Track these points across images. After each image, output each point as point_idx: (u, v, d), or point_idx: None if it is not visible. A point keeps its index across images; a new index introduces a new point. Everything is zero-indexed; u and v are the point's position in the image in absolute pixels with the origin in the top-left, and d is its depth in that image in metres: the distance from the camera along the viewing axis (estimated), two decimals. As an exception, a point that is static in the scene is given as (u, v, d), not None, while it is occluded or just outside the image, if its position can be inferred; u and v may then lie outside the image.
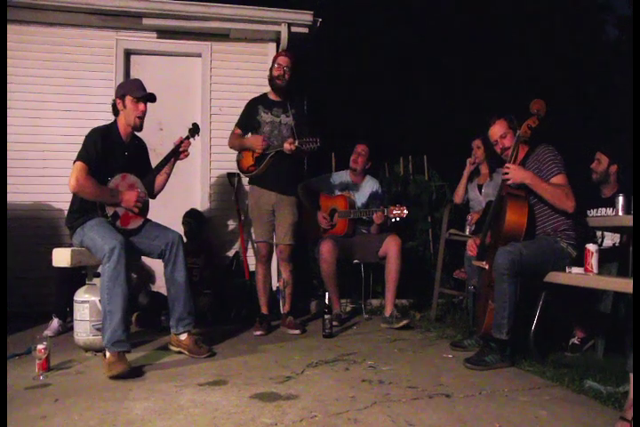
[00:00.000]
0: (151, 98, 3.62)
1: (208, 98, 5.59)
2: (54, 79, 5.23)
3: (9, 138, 4.92)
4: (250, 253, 5.35)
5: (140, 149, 3.80)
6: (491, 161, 4.76)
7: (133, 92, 3.55)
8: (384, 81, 10.98)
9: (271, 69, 4.42)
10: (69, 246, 3.58)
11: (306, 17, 5.45)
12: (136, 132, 3.70)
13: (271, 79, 4.41)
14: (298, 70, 4.50)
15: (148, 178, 3.70)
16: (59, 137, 5.11)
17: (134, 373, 3.07)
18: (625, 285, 2.82)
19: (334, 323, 4.32)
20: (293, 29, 5.47)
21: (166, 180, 3.87)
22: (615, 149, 4.40)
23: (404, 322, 4.39)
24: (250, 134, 4.46)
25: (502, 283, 3.21)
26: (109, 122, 3.66)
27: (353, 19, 11.08)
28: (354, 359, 3.44)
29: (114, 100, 3.61)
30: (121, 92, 3.59)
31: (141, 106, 3.57)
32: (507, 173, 3.38)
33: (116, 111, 3.62)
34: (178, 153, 3.81)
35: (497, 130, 3.63)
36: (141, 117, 3.58)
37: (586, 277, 3.15)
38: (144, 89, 3.61)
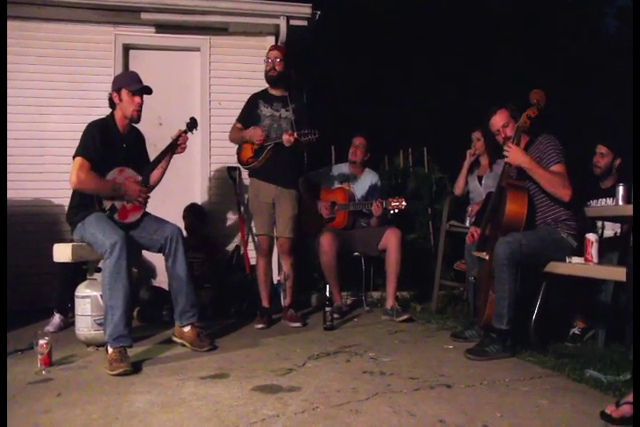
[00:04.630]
0: (147, 90, 3.61)
1: (207, 92, 5.57)
2: (53, 75, 5.22)
3: (8, 134, 4.91)
4: (250, 246, 5.36)
5: (138, 140, 3.80)
6: (491, 152, 4.76)
7: (129, 85, 3.55)
8: (384, 73, 10.95)
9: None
10: (70, 242, 3.58)
11: (304, 10, 5.42)
12: (134, 124, 3.70)
13: (265, 74, 4.44)
14: (291, 60, 4.49)
15: (145, 171, 3.69)
16: (58, 132, 5.11)
17: (135, 371, 3.06)
18: (625, 274, 2.82)
19: (335, 315, 4.32)
20: (292, 22, 5.44)
21: (162, 174, 3.86)
22: (614, 139, 4.40)
23: (405, 316, 4.40)
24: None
25: (502, 273, 3.22)
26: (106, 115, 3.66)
27: (353, 10, 11.02)
28: (355, 351, 3.45)
29: (110, 94, 3.61)
30: (117, 86, 3.58)
31: (137, 99, 3.56)
32: (507, 152, 3.39)
33: (112, 104, 3.62)
34: (175, 146, 3.80)
35: (498, 119, 3.63)
36: (138, 110, 3.58)
37: (586, 267, 3.16)
38: (140, 81, 3.60)
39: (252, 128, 4.33)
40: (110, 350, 3.13)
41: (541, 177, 3.32)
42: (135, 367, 3.08)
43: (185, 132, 3.86)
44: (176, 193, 5.19)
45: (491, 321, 3.32)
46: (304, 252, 5.21)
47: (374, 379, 2.86)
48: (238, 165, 4.79)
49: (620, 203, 3.33)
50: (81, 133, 3.50)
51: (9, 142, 4.94)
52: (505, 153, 3.42)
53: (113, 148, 3.53)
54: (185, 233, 4.24)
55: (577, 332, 3.76)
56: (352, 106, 10.00)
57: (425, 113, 10.37)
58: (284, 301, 4.58)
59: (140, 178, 3.62)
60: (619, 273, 2.94)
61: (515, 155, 3.37)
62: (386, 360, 3.23)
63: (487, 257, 3.48)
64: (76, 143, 3.46)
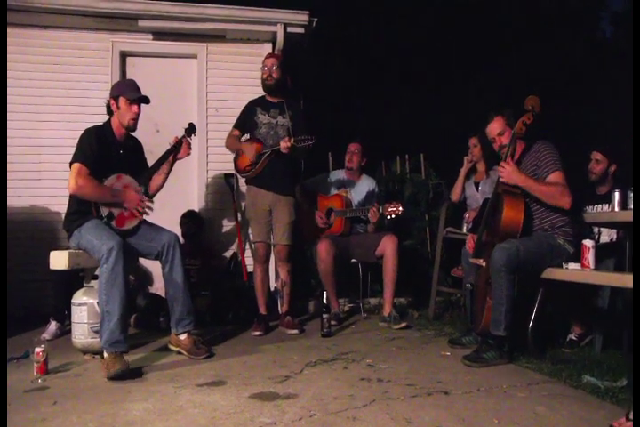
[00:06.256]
0: (145, 100, 3.62)
1: (204, 99, 5.59)
2: (50, 82, 5.24)
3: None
4: (248, 253, 5.36)
5: (136, 148, 3.80)
6: (487, 159, 4.77)
7: (127, 93, 3.55)
8: (382, 80, 10.99)
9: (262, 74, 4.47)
10: (67, 249, 3.58)
11: (301, 17, 5.44)
12: (131, 133, 3.70)
13: (262, 82, 4.45)
14: (287, 67, 4.51)
15: (144, 178, 3.69)
16: (55, 140, 5.12)
17: (132, 373, 3.07)
18: (622, 280, 2.82)
19: (332, 322, 4.32)
20: (289, 30, 5.46)
21: (164, 180, 3.85)
22: (611, 145, 4.40)
23: (403, 324, 4.38)
24: (247, 135, 4.51)
25: (499, 279, 3.22)
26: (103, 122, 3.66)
27: (350, 17, 11.07)
28: (352, 358, 3.44)
29: (108, 101, 3.62)
30: (115, 93, 3.59)
31: (135, 108, 3.56)
32: (501, 172, 3.40)
33: (110, 111, 3.62)
34: (173, 152, 3.80)
35: (494, 127, 3.62)
36: (135, 119, 3.58)
37: (583, 273, 3.15)
38: (138, 90, 3.61)
39: (250, 146, 4.32)
40: (106, 354, 3.13)
41: (540, 193, 3.32)
42: (131, 369, 3.07)
43: (183, 137, 3.87)
44: (173, 200, 5.17)
45: (488, 327, 3.32)
46: (301, 259, 5.20)
47: (371, 386, 2.85)
48: (235, 172, 4.79)
49: (617, 209, 3.33)
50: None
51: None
52: (500, 173, 3.42)
53: (110, 154, 3.53)
54: (182, 240, 4.23)
55: (574, 338, 3.76)
56: (349, 112, 10.02)
57: (422, 119, 10.40)
58: (282, 308, 4.56)
59: (141, 188, 3.62)
60: (615, 279, 2.95)
61: (509, 175, 3.37)
62: (383, 367, 3.22)
63: (484, 264, 3.48)
64: (73, 150, 3.45)
